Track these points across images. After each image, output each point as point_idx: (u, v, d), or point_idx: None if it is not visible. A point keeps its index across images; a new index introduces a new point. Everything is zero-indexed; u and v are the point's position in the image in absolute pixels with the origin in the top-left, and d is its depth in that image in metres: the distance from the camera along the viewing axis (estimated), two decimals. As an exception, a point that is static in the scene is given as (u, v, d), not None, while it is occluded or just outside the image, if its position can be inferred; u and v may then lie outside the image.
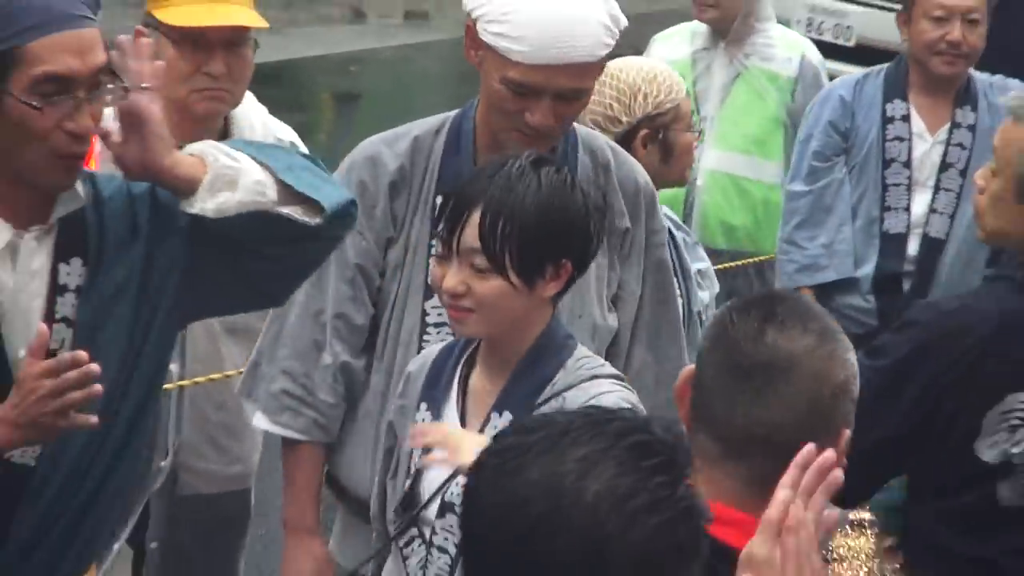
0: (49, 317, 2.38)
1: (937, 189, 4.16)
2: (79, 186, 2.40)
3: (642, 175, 3.01)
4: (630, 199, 2.94)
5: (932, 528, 2.76)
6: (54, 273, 2.41)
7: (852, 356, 1.95)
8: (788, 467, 1.72)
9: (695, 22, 4.67)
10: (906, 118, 4.19)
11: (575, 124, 2.92)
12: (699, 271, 3.50)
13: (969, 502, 2.84)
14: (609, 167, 2.93)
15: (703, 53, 4.66)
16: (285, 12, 8.89)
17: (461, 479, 2.18)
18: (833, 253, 4.15)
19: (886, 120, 4.18)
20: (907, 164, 4.18)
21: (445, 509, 2.49)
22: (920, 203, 4.16)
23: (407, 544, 2.56)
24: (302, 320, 2.90)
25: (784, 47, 4.64)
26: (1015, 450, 2.83)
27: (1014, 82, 4.25)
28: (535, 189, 2.44)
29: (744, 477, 1.88)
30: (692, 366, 2.00)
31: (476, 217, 2.43)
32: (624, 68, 3.43)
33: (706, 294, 3.47)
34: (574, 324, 2.76)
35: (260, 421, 2.95)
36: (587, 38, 2.75)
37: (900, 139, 4.17)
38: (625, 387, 2.54)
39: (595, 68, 2.84)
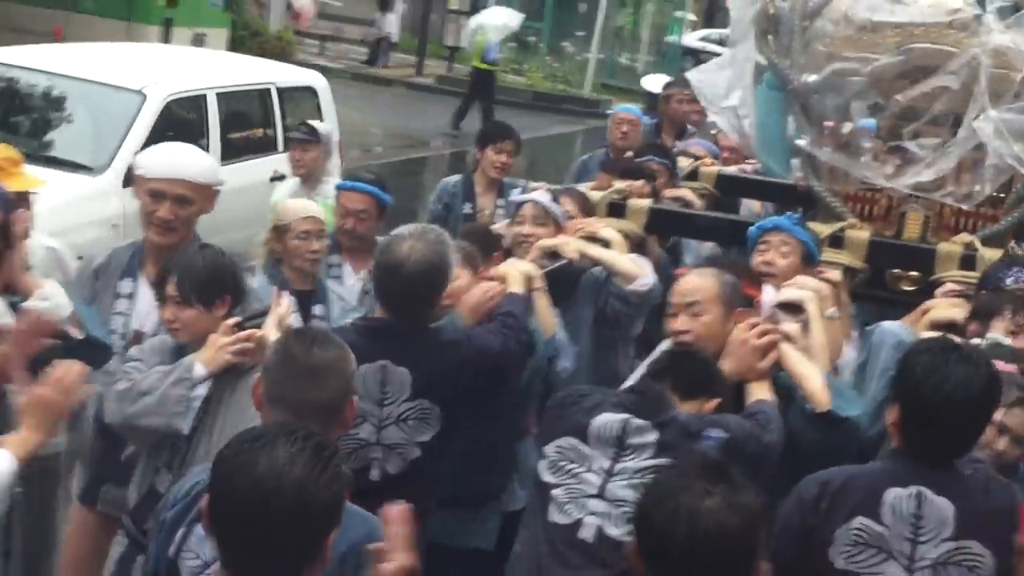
0: None
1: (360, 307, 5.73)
2: None
3: None
4: None
5: None
6: None
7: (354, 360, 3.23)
8: (335, 421, 3.10)
9: (296, 178, 7.55)
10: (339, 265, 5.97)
11: None
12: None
13: None
14: None
15: (298, 192, 7.27)
16: None
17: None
18: None
19: (329, 265, 5.90)
20: None
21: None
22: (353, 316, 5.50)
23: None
24: None
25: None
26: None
27: None
28: (204, 259, 4.16)
29: None
30: (259, 375, 3.25)
31: (174, 278, 4.11)
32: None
33: None
34: None
35: None
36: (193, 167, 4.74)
37: (336, 277, 5.90)
38: None
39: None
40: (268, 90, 10.43)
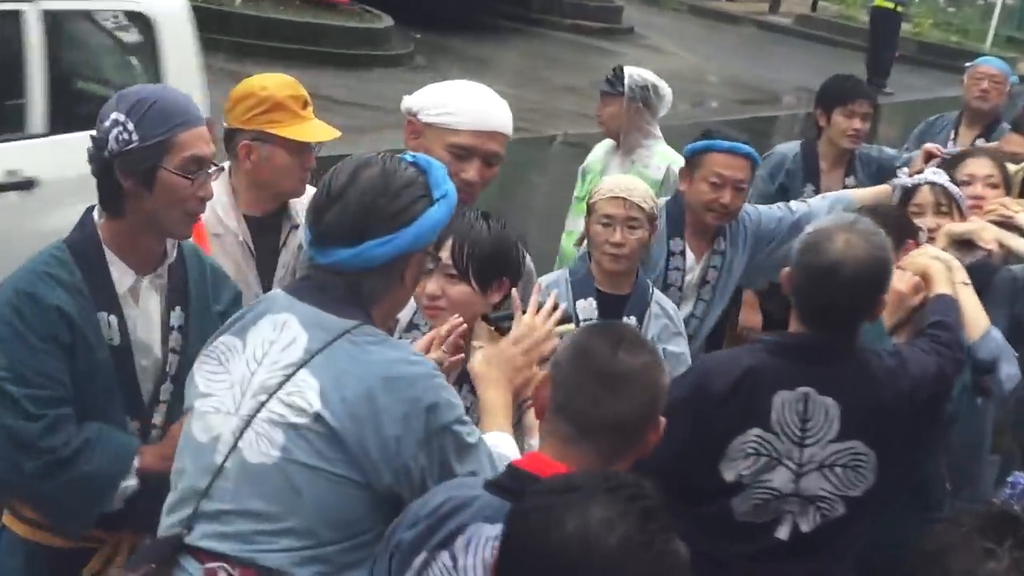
0: (164, 346, 3.28)
1: (697, 299, 5.18)
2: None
3: None
4: None
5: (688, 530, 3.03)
6: (166, 316, 3.28)
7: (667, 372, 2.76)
8: (630, 446, 2.61)
9: (609, 140, 6.24)
10: (683, 252, 5.12)
11: None
12: None
13: (712, 512, 3.55)
14: None
15: (611, 155, 6.17)
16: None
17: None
18: None
19: (670, 253, 5.12)
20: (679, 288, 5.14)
21: None
22: (684, 310, 5.03)
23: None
24: None
25: (658, 158, 6.01)
26: (745, 472, 3.53)
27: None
28: (490, 229, 3.39)
29: (594, 452, 2.59)
30: (547, 373, 2.77)
31: (448, 243, 3.35)
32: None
33: None
34: None
35: None
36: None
37: (677, 268, 5.12)
38: None
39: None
40: (16, 14, 5.79)
